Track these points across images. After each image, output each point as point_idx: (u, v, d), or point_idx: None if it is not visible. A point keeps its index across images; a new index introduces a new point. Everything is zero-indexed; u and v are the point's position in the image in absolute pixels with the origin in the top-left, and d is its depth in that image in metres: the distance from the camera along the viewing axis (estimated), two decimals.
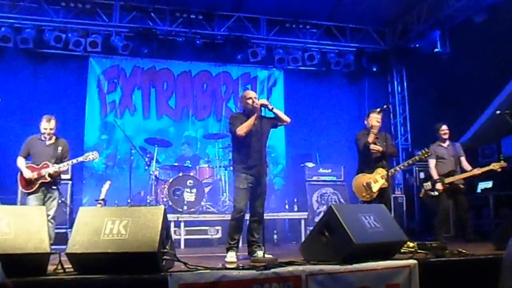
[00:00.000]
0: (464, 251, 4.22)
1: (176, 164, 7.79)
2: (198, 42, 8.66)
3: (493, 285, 3.07)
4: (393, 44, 9.55)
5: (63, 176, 5.98)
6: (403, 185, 8.78)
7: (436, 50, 8.74)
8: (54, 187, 5.35)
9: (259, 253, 4.49)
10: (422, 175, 8.01)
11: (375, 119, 5.63)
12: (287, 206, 8.03)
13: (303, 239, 6.74)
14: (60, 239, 5.47)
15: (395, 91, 10.21)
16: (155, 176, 7.33)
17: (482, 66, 7.39)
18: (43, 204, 5.12)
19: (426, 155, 5.92)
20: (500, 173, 6.16)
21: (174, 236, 6.46)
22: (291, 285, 3.37)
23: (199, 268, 3.33)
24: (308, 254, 3.93)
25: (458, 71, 8.09)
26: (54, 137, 5.43)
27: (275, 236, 6.90)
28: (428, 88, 8.95)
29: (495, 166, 6.05)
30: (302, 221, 7.52)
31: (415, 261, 3.77)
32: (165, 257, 3.33)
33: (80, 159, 5.46)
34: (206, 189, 7.48)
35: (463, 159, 6.44)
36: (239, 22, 8.90)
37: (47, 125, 5.33)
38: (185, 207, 7.00)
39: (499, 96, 7.49)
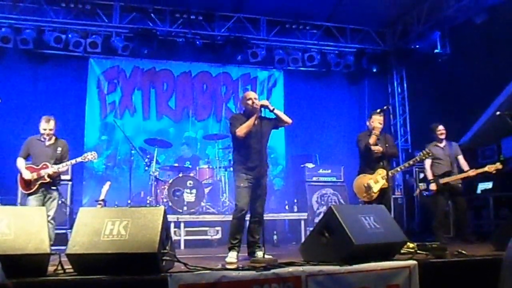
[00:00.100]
0: (464, 252, 4.23)
1: (176, 164, 7.78)
2: (198, 42, 8.66)
3: (493, 286, 3.06)
4: (393, 45, 9.56)
5: (63, 177, 5.99)
6: (403, 186, 8.77)
7: (436, 51, 8.75)
8: (54, 188, 5.35)
9: (259, 254, 4.49)
10: (422, 175, 8.00)
11: (377, 120, 5.63)
12: (287, 207, 8.04)
13: (303, 239, 6.73)
14: (60, 239, 5.48)
15: (395, 92, 10.21)
16: (155, 176, 7.33)
17: (482, 67, 7.40)
18: (43, 205, 5.11)
19: (426, 156, 5.92)
20: (500, 174, 6.17)
21: (174, 237, 6.45)
22: (291, 286, 3.38)
23: (199, 268, 3.34)
24: (308, 254, 3.93)
25: (458, 72, 8.09)
26: (53, 138, 5.42)
27: (275, 237, 6.90)
28: (428, 89, 8.95)
29: (490, 168, 6.06)
30: (302, 222, 7.52)
31: (415, 262, 3.77)
32: (165, 257, 3.33)
33: (79, 159, 5.44)
34: (206, 190, 7.48)
35: (460, 157, 6.44)
36: (239, 23, 8.91)
37: (46, 125, 5.32)
38: (185, 208, 7.00)
39: (499, 97, 7.49)
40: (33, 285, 3.01)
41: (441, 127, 6.50)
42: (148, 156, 7.45)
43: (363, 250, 3.65)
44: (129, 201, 7.14)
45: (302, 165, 8.13)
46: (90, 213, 3.50)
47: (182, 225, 6.80)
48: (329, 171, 8.09)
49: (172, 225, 6.58)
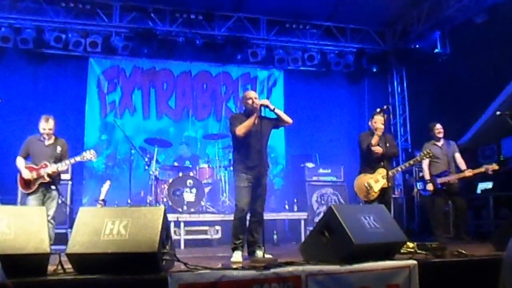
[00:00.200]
0: (464, 251, 4.22)
1: (176, 164, 7.78)
2: (198, 42, 8.66)
3: (493, 286, 3.06)
4: (393, 44, 9.55)
5: (63, 176, 5.97)
6: (403, 186, 8.78)
7: (436, 51, 8.76)
8: (53, 187, 5.34)
9: (259, 253, 4.49)
10: (421, 175, 8.01)
11: (379, 121, 5.62)
12: (287, 207, 8.04)
13: (303, 239, 6.74)
14: (60, 239, 5.47)
15: (395, 91, 10.20)
16: (155, 176, 7.33)
17: (482, 67, 7.39)
18: (43, 204, 5.11)
19: (427, 156, 5.92)
20: (500, 174, 6.18)
21: (174, 236, 6.45)
22: (290, 285, 3.38)
23: (199, 268, 3.34)
24: (308, 254, 3.93)
25: (458, 72, 8.09)
26: (53, 137, 5.42)
27: (275, 237, 6.90)
28: (428, 88, 8.94)
29: (487, 168, 6.07)
30: (302, 222, 7.53)
31: (415, 262, 3.78)
32: (165, 257, 3.34)
33: (78, 158, 5.41)
34: (206, 189, 7.48)
35: (457, 155, 6.45)
36: (239, 23, 8.90)
37: (46, 125, 5.32)
38: (185, 207, 7.00)
39: (499, 97, 7.49)
40: (33, 285, 3.01)
41: (438, 126, 6.51)
42: (148, 156, 7.45)
43: (363, 250, 3.66)
44: (129, 201, 7.14)
45: (302, 165, 8.14)
46: (90, 212, 3.51)
47: (182, 224, 6.80)
48: (329, 170, 8.10)
49: (172, 224, 6.58)
